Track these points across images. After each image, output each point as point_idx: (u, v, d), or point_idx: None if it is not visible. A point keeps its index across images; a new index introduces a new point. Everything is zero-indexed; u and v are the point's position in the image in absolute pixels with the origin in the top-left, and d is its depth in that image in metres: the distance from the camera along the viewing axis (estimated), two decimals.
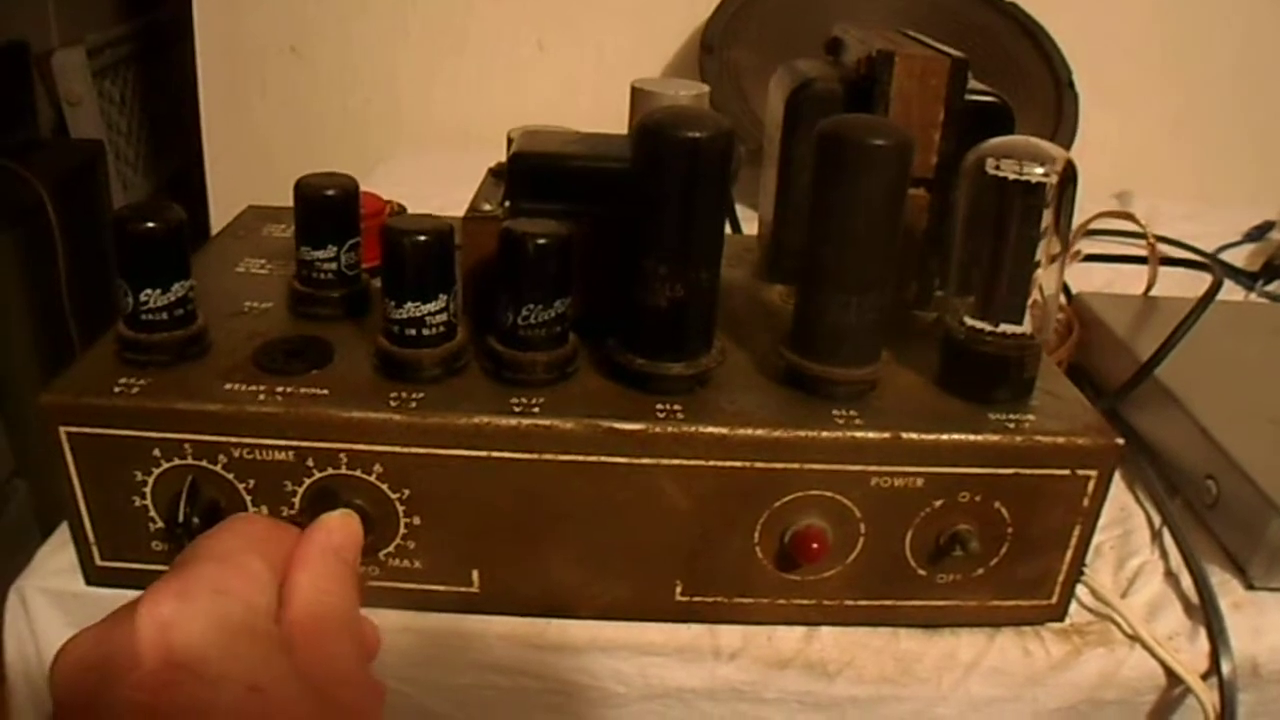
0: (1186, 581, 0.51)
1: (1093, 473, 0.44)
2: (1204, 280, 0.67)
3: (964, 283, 0.46)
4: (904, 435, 0.43)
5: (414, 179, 0.96)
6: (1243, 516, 0.51)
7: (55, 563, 0.47)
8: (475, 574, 0.46)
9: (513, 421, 0.43)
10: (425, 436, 0.43)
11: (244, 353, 0.46)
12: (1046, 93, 0.94)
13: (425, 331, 0.44)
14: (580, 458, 0.43)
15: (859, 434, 0.43)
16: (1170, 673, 0.47)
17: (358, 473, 0.43)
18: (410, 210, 0.61)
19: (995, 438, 0.43)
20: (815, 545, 0.44)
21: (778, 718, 0.47)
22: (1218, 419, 0.55)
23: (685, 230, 0.43)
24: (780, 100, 0.55)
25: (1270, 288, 0.82)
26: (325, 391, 0.44)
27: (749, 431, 0.43)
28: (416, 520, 0.44)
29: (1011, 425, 0.44)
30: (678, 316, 0.44)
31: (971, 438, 0.43)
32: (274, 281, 0.54)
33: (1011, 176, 0.42)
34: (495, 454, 0.43)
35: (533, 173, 0.48)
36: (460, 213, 0.50)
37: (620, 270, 0.45)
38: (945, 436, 0.43)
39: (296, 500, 0.44)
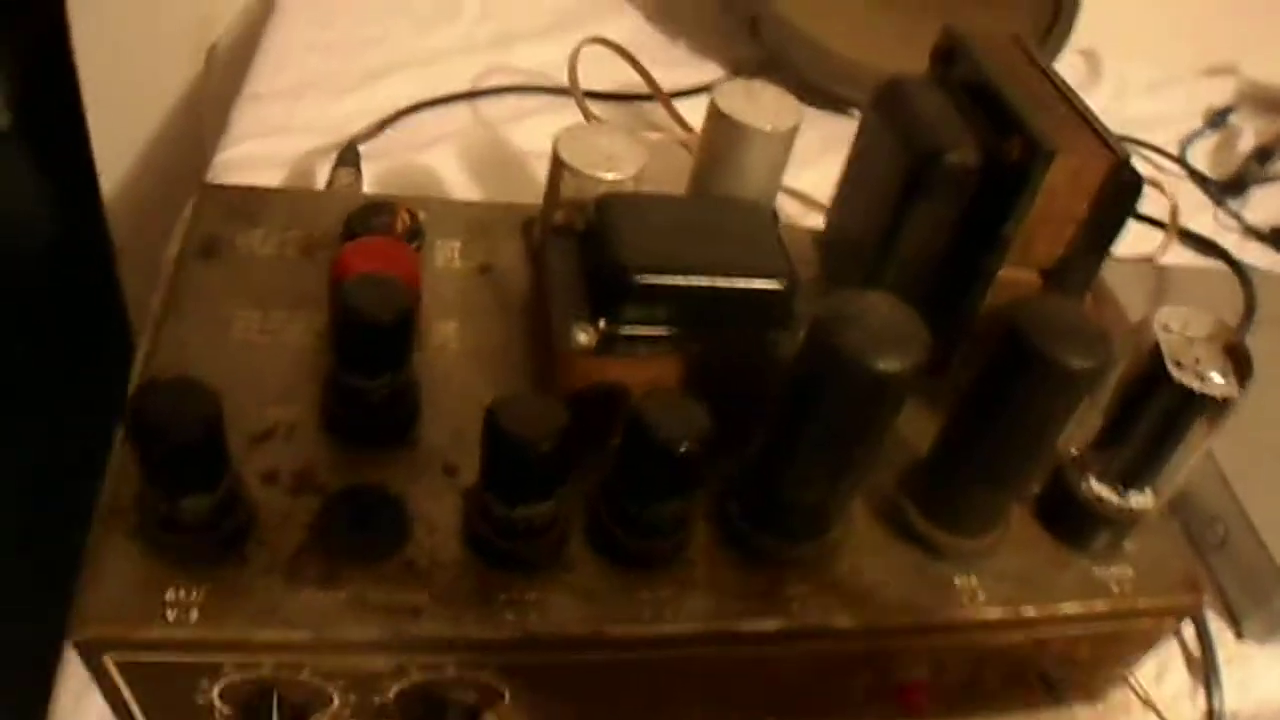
0: (1188, 631, 0.55)
1: (1173, 619, 0.46)
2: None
3: (1101, 445, 0.43)
4: (1023, 611, 0.43)
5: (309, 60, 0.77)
6: (1248, 571, 0.55)
7: None
8: None
9: (643, 630, 0.39)
10: (546, 645, 0.39)
11: (300, 527, 0.39)
12: None
13: (536, 524, 0.38)
14: (705, 652, 0.41)
15: (983, 614, 0.42)
16: None
17: (464, 674, 0.39)
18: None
19: (1102, 605, 0.44)
20: (917, 698, 0.44)
21: None
22: (1231, 456, 0.57)
23: (852, 445, 0.38)
24: (890, 135, 0.46)
25: (1235, 205, 0.82)
26: (424, 596, 0.38)
27: (883, 621, 0.41)
28: (523, 701, 0.41)
29: (1116, 589, 0.44)
30: (825, 507, 0.40)
31: (1082, 608, 0.44)
32: (285, 358, 0.44)
33: (1196, 388, 0.39)
34: (618, 656, 0.40)
35: (649, 294, 0.40)
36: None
37: (746, 427, 0.40)
38: (1059, 608, 0.43)
39: (391, 696, 0.40)
